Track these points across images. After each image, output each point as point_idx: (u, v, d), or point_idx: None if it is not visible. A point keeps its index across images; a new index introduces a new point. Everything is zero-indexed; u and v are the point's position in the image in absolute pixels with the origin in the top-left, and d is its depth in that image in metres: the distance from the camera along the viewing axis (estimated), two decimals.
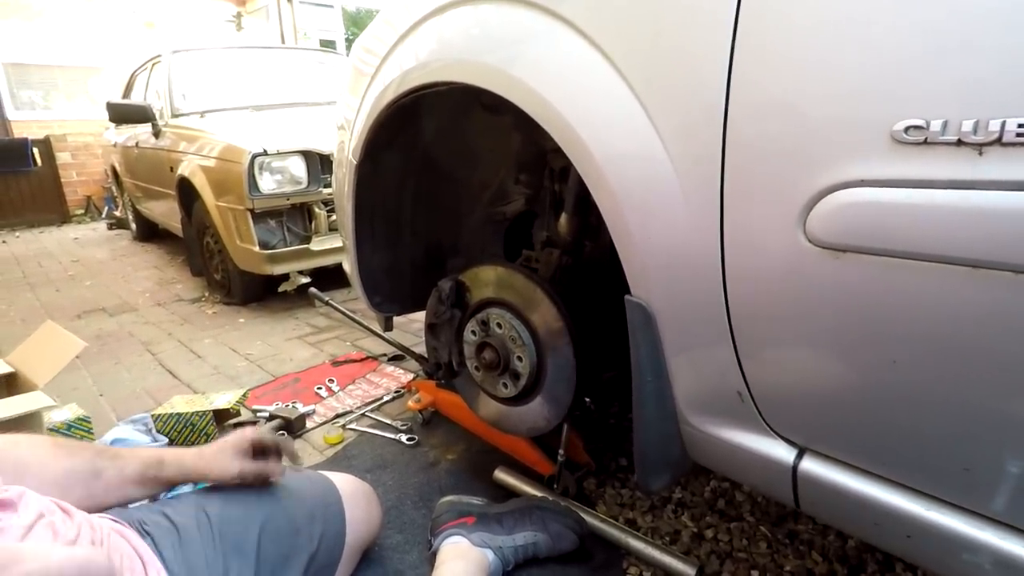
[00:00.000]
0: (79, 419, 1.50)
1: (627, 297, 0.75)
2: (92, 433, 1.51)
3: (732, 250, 0.62)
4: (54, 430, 1.44)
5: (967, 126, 0.44)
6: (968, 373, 0.50)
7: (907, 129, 0.47)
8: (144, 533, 0.73)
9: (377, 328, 1.72)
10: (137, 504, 0.83)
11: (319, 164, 2.49)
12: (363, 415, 1.65)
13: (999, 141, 0.43)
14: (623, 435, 1.43)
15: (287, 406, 1.69)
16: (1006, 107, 0.43)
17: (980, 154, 0.44)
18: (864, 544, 1.05)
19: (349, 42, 8.32)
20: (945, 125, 0.46)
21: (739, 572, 1.02)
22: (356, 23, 9.17)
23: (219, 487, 0.87)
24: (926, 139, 0.47)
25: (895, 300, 0.52)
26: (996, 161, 0.44)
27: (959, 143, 0.45)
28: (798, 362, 0.63)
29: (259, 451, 0.90)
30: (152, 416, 1.54)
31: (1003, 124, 0.43)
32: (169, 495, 0.88)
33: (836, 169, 0.52)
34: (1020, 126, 0.42)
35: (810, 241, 0.55)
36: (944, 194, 0.47)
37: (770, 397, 0.67)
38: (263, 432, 0.92)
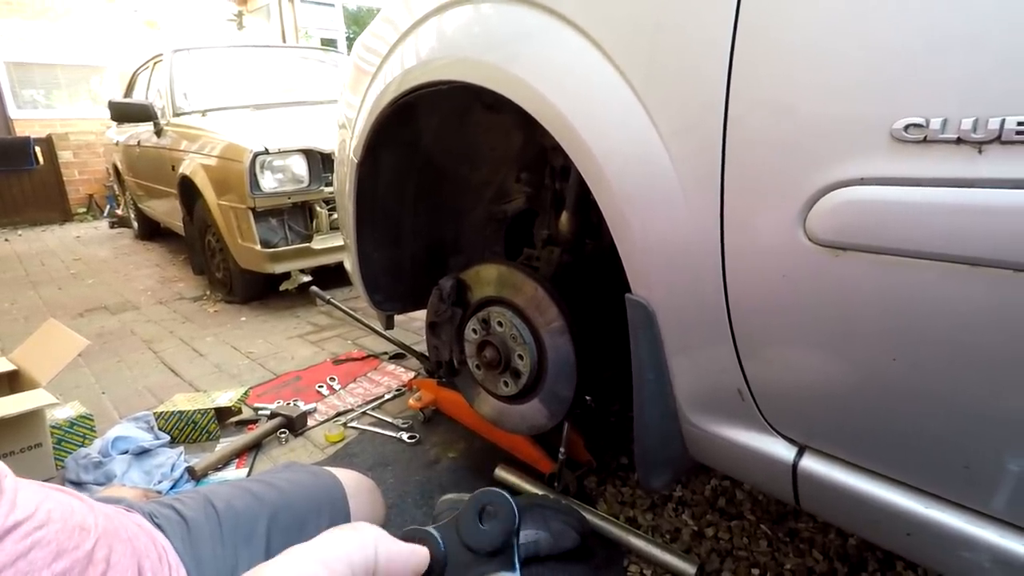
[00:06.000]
0: (81, 417, 1.51)
1: (627, 295, 0.75)
2: (95, 431, 1.52)
3: (732, 248, 0.62)
4: (56, 427, 1.45)
5: (967, 124, 0.44)
6: (967, 370, 0.50)
7: (907, 127, 0.47)
8: (155, 526, 0.74)
9: (378, 326, 1.72)
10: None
11: (320, 163, 2.49)
12: (364, 413, 1.66)
13: (999, 139, 0.43)
14: (624, 433, 1.43)
15: (288, 404, 1.69)
16: (1006, 105, 0.43)
17: (980, 152, 0.44)
18: (865, 542, 1.05)
19: (350, 41, 8.32)
20: (945, 123, 0.46)
21: (740, 570, 1.02)
22: (357, 22, 9.16)
23: (225, 481, 0.87)
24: (926, 137, 0.47)
25: (895, 298, 0.52)
26: (996, 159, 0.44)
27: (959, 141, 0.45)
28: (798, 360, 0.63)
29: None
30: (154, 414, 1.55)
31: (1002, 122, 0.43)
32: (176, 490, 0.88)
33: (836, 167, 0.52)
34: (1020, 124, 0.42)
35: (810, 239, 0.55)
36: (944, 192, 0.47)
37: (770, 395, 0.67)
38: None
